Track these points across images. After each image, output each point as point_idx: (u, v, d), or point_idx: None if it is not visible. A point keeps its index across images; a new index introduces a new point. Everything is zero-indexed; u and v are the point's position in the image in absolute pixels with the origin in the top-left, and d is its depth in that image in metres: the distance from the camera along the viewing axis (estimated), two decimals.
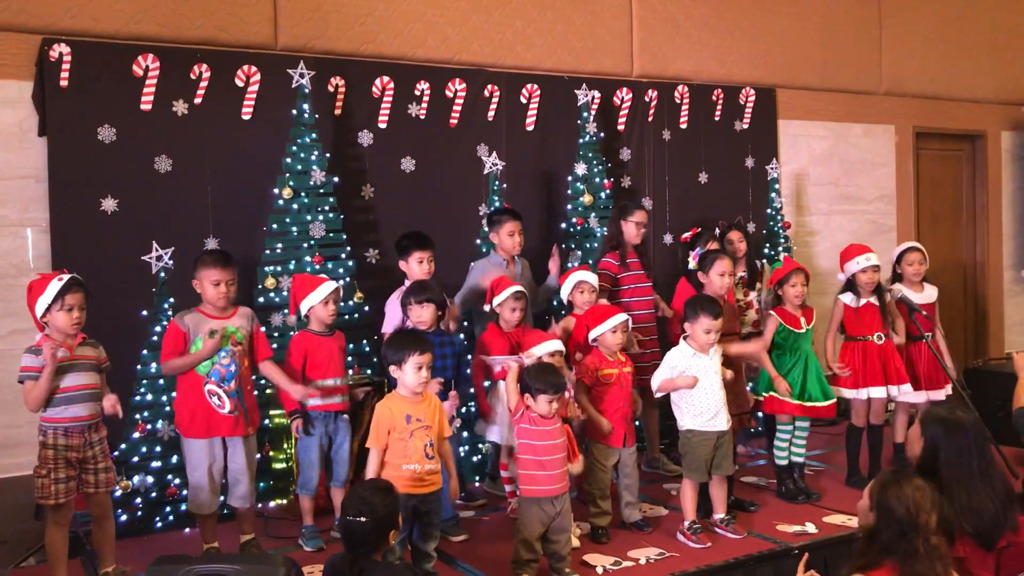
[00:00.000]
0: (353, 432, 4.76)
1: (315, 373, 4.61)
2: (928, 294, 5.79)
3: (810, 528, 4.69)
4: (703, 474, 4.63)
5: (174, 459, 4.86)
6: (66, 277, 4.01)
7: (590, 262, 6.00)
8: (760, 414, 5.89)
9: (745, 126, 7.54)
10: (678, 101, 7.20)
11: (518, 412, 4.11)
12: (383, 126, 6.03)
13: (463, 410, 5.25)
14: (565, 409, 4.45)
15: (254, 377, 4.66)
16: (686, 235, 6.02)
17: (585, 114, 6.43)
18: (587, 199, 6.24)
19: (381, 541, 3.16)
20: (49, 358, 3.85)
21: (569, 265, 6.07)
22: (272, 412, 5.12)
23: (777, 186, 7.26)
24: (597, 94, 6.72)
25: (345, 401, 4.71)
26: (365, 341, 5.49)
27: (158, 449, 4.88)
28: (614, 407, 4.70)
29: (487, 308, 5.08)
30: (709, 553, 4.43)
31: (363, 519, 3.10)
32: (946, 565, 2.91)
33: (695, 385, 4.54)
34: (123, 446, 4.82)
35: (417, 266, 5.04)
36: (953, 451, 3.30)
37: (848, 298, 5.48)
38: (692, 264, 5.36)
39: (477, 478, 5.67)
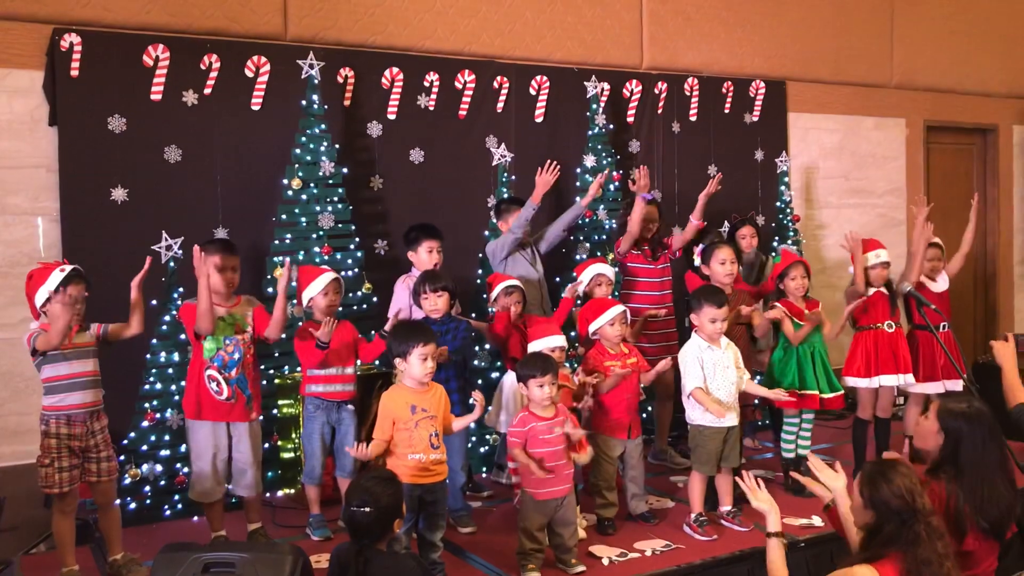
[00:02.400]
0: (360, 422, 4.78)
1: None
2: (940, 283, 5.78)
3: (816, 521, 4.68)
4: (712, 467, 4.64)
5: (182, 447, 4.89)
6: (68, 267, 4.04)
7: (599, 254, 6.01)
8: (767, 408, 5.89)
9: (755, 119, 7.51)
10: (688, 93, 7.18)
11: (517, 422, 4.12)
12: (392, 117, 6.03)
13: (469, 400, 5.25)
14: (571, 398, 4.47)
15: (263, 367, 4.68)
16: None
17: (594, 106, 6.42)
18: None
19: (385, 530, 3.19)
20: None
21: (577, 257, 6.07)
22: (280, 402, 5.15)
23: (787, 179, 7.25)
24: (606, 86, 6.71)
25: (349, 390, 4.71)
26: (373, 332, 5.50)
27: (167, 437, 4.91)
28: (619, 399, 4.69)
29: (491, 308, 5.10)
30: (715, 545, 4.44)
31: (367, 509, 3.12)
32: (946, 545, 2.93)
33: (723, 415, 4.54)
34: (132, 434, 4.85)
35: (427, 255, 5.06)
36: (977, 443, 3.29)
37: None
38: (697, 261, 5.39)
39: (484, 469, 5.69)
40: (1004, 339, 4.04)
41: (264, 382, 4.83)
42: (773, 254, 6.86)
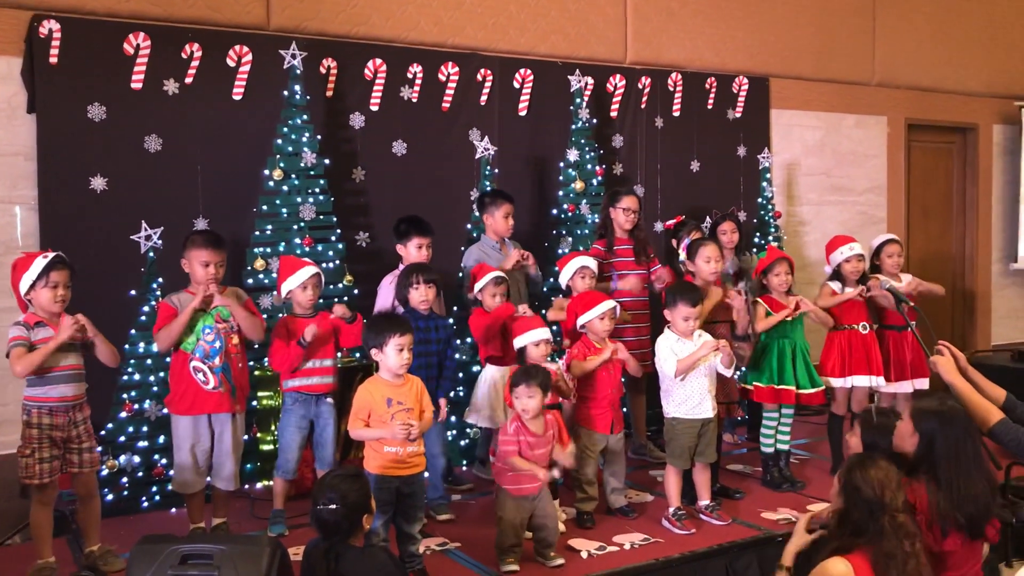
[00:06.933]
0: (340, 415, 4.75)
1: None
2: (905, 282, 5.82)
3: (794, 516, 4.72)
4: (686, 461, 4.66)
5: (161, 439, 4.86)
6: (51, 255, 4.02)
7: (581, 248, 6.01)
8: (746, 402, 5.91)
9: (738, 115, 7.54)
10: (671, 89, 7.19)
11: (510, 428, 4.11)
12: (375, 109, 6.01)
13: (451, 394, 5.24)
14: (558, 394, 4.48)
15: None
16: (670, 222, 6.02)
17: (578, 100, 6.42)
18: (578, 185, 6.25)
19: (354, 527, 3.18)
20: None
21: (560, 252, 6.07)
22: (260, 394, 5.13)
23: (768, 175, 7.27)
24: (590, 80, 6.71)
25: (328, 383, 4.66)
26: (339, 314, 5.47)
27: (144, 429, 4.88)
28: (602, 393, 4.70)
29: (470, 296, 5.09)
30: (693, 539, 4.46)
31: (334, 506, 3.12)
32: (914, 543, 2.95)
33: (717, 348, 4.53)
34: (110, 425, 4.82)
35: (416, 251, 5.04)
36: (950, 442, 3.28)
37: (836, 287, 5.50)
38: (681, 254, 5.38)
39: (464, 462, 5.69)
40: (939, 352, 3.89)
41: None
42: (754, 250, 6.89)
